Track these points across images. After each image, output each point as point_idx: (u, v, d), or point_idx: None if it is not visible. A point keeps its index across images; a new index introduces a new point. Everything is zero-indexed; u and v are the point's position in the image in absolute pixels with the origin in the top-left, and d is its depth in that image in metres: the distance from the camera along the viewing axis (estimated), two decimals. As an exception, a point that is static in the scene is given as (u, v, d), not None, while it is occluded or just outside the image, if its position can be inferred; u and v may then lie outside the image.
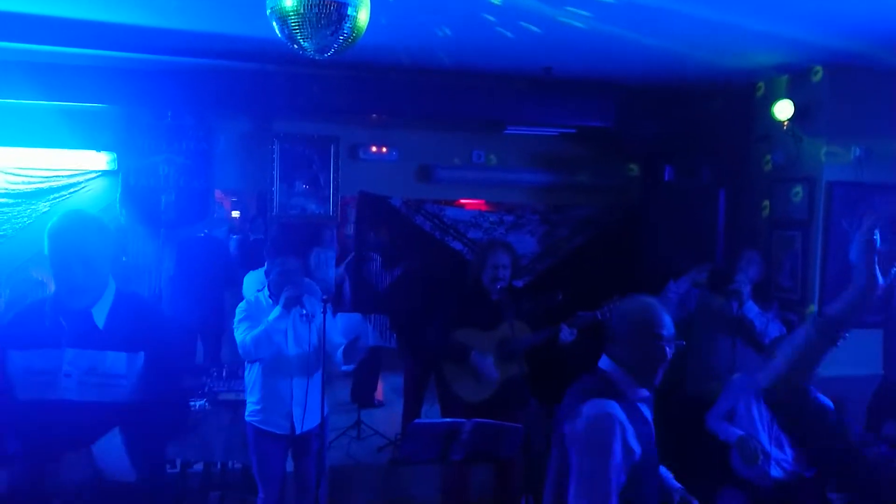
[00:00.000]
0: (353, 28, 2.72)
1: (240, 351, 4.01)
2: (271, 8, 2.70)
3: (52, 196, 6.04)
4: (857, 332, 4.91)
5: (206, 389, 4.65)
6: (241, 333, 3.96)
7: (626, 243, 6.09)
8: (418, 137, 6.48)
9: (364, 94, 5.55)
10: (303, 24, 2.65)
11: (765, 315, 4.64)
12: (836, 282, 4.96)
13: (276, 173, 6.19)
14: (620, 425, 2.42)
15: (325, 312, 3.91)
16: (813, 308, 4.97)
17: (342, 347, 4.07)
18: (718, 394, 4.35)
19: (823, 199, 4.96)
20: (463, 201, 7.13)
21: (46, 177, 6.01)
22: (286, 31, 2.71)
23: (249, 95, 5.52)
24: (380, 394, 7.49)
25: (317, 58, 2.80)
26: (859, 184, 4.95)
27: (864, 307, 2.05)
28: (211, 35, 4.47)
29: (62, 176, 6.05)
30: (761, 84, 5.47)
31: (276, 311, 3.90)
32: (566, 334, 4.28)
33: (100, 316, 2.60)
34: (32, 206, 6.01)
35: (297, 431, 4.02)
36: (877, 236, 1.94)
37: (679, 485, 2.75)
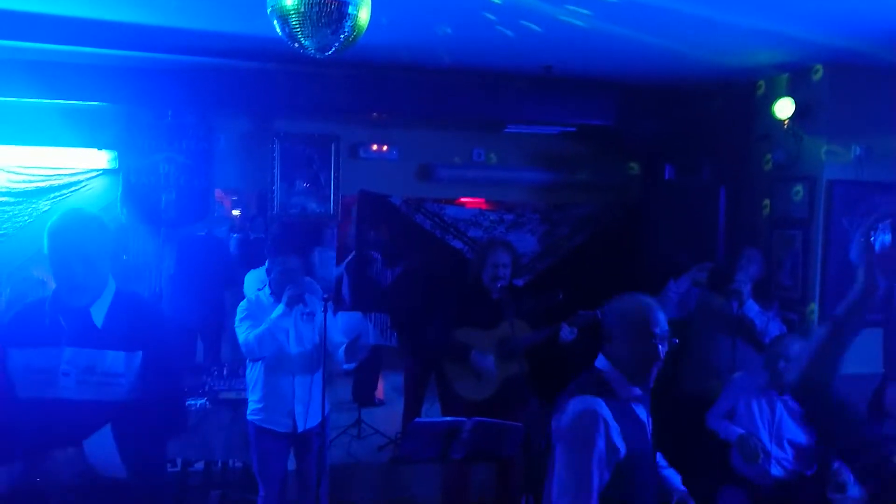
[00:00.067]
0: (354, 27, 2.72)
1: (243, 349, 4.02)
2: (272, 6, 2.70)
3: (52, 195, 6.03)
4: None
5: (207, 388, 4.66)
6: (244, 332, 3.98)
7: (626, 242, 6.09)
8: (419, 136, 6.48)
9: (364, 92, 5.55)
10: (303, 23, 2.66)
11: (765, 314, 4.64)
12: (837, 281, 4.96)
13: (276, 172, 6.19)
14: (604, 422, 2.43)
15: (325, 311, 3.93)
16: (813, 307, 4.97)
17: (343, 346, 4.08)
18: (718, 393, 4.35)
19: (824, 198, 4.95)
20: (463, 200, 7.12)
21: (47, 175, 6.01)
22: (287, 30, 2.71)
23: (250, 94, 5.52)
24: (380, 392, 7.50)
25: (317, 57, 2.80)
26: (860, 182, 4.95)
27: (865, 308, 2.05)
28: (212, 34, 4.47)
29: (63, 174, 6.04)
30: (762, 83, 5.47)
31: (280, 308, 3.92)
32: (566, 333, 4.29)
33: (98, 315, 2.61)
34: (33, 205, 6.00)
35: (300, 429, 4.03)
36: (875, 238, 1.94)
37: (683, 488, 2.74)
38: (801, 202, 5.10)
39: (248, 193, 8.52)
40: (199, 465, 5.01)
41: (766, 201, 5.40)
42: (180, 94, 5.44)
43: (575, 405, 2.48)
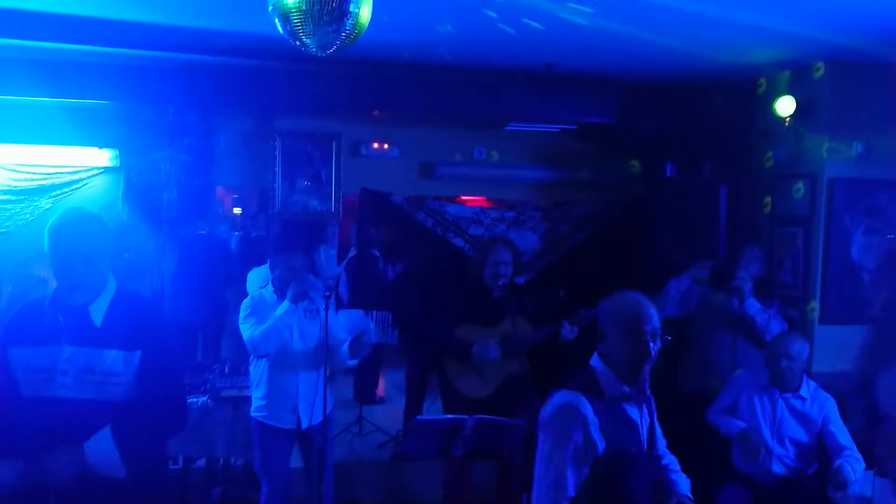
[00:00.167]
0: (355, 25, 2.72)
1: (248, 346, 4.05)
2: (273, 4, 2.70)
3: (54, 193, 6.04)
4: (858, 329, 4.96)
5: (208, 386, 4.66)
6: (249, 329, 4.00)
7: (627, 240, 6.09)
8: (420, 134, 6.48)
9: (366, 90, 5.55)
10: (305, 21, 2.65)
11: (766, 312, 4.64)
12: (838, 278, 4.96)
13: (277, 170, 6.19)
14: (583, 416, 2.46)
15: (326, 309, 3.94)
16: (814, 304, 4.97)
17: (347, 343, 4.10)
18: (719, 391, 4.35)
19: (825, 196, 4.95)
20: (464, 198, 7.12)
21: (48, 174, 6.01)
22: (288, 28, 2.71)
23: (251, 92, 5.52)
24: (381, 390, 7.50)
25: (319, 55, 2.80)
26: (861, 180, 4.94)
27: None
28: (213, 32, 4.47)
29: (64, 173, 6.04)
30: (763, 80, 5.46)
31: (284, 305, 3.94)
32: (567, 331, 4.29)
33: (97, 314, 2.61)
34: (34, 203, 6.01)
35: (303, 426, 4.05)
36: None
37: (685, 492, 2.72)
38: (802, 200, 5.09)
39: (250, 191, 8.53)
40: (201, 463, 5.02)
41: (767, 199, 5.39)
42: (181, 92, 5.44)
43: (557, 399, 2.54)
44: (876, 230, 4.95)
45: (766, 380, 4.11)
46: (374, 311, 6.30)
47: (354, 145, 6.41)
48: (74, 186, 6.09)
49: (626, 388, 2.55)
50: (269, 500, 4.13)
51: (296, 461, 4.30)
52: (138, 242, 6.08)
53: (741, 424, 4.06)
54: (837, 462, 3.81)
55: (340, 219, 6.54)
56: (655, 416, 2.78)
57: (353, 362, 4.14)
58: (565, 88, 5.74)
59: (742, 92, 5.58)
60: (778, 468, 4.04)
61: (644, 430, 2.61)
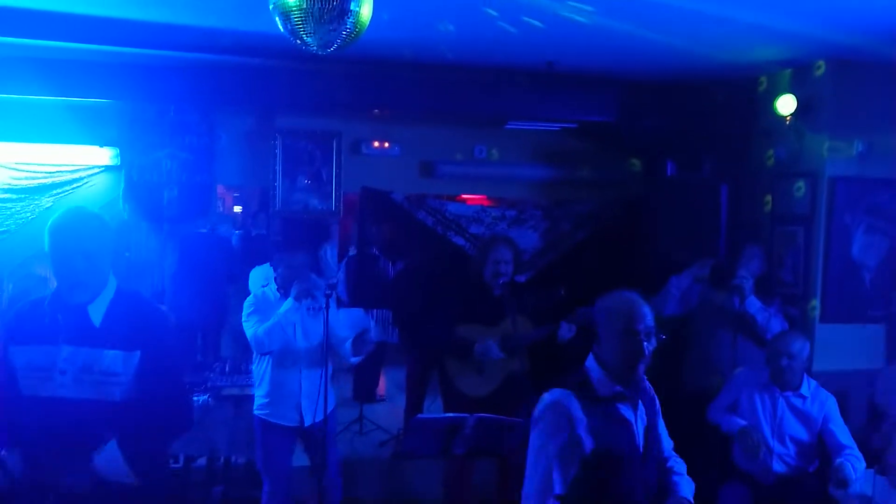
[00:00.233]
0: (356, 23, 2.72)
1: (251, 344, 4.06)
2: (274, 3, 2.70)
3: (54, 191, 6.04)
4: (859, 328, 4.97)
5: (209, 385, 4.67)
6: (252, 327, 4.02)
7: (628, 238, 6.09)
8: (420, 133, 6.48)
9: (366, 89, 5.55)
10: (306, 20, 2.66)
11: (767, 310, 4.64)
12: (839, 277, 4.96)
13: (278, 168, 6.19)
14: (570, 415, 2.47)
15: (327, 307, 3.95)
16: (815, 303, 4.97)
17: (350, 340, 4.11)
18: (720, 389, 4.36)
19: (826, 195, 4.95)
20: (465, 196, 7.12)
21: (49, 172, 6.01)
22: (289, 27, 2.72)
23: (252, 91, 5.52)
24: (382, 389, 7.50)
25: (320, 53, 2.81)
26: (862, 179, 4.94)
27: None
28: (214, 30, 4.47)
29: (65, 171, 6.04)
30: (763, 79, 5.46)
31: (288, 303, 3.96)
32: (565, 331, 4.29)
33: (96, 313, 2.61)
34: (35, 202, 6.01)
35: (306, 424, 4.06)
36: None
37: (685, 496, 2.70)
38: (802, 198, 5.09)
39: (250, 190, 8.52)
40: (202, 462, 5.03)
41: (768, 197, 5.39)
42: (182, 90, 5.44)
43: (547, 397, 2.57)
44: (877, 229, 4.95)
45: (767, 378, 4.12)
46: (375, 310, 6.31)
47: (355, 144, 6.41)
48: (75, 185, 6.09)
49: (619, 388, 2.55)
50: (271, 498, 4.14)
51: (301, 460, 4.31)
52: (139, 241, 6.09)
53: (742, 422, 4.07)
54: (838, 460, 3.81)
55: (341, 217, 6.54)
56: (659, 417, 2.77)
57: (355, 359, 4.15)
58: (566, 87, 5.74)
59: (743, 90, 5.58)
60: (778, 466, 4.05)
61: (639, 430, 2.60)
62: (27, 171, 5.98)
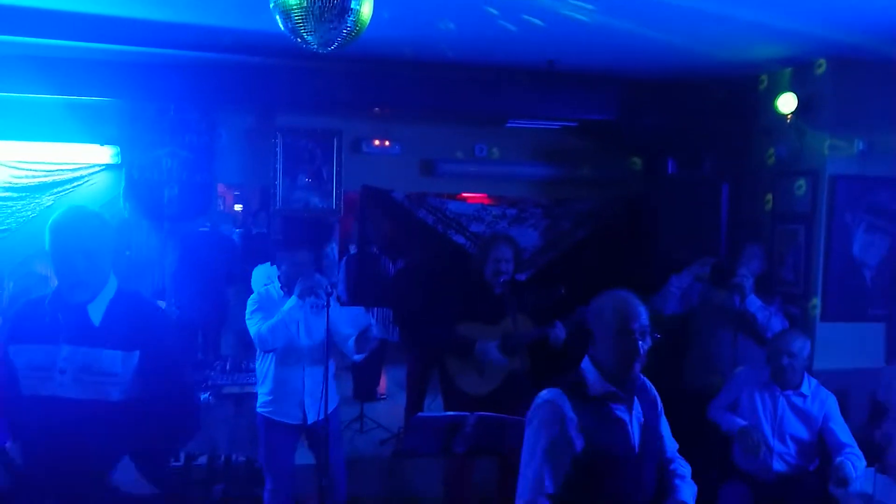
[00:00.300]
0: (357, 22, 2.72)
1: (255, 341, 4.07)
2: (275, 2, 2.70)
3: (55, 190, 6.04)
4: (859, 326, 4.97)
5: (210, 383, 4.68)
6: (256, 324, 4.04)
7: (628, 237, 6.09)
8: (421, 131, 6.48)
9: (367, 87, 5.54)
10: (306, 18, 2.66)
11: (767, 309, 4.64)
12: (839, 276, 4.96)
13: (278, 167, 6.19)
14: (561, 415, 2.47)
15: (328, 305, 3.96)
16: (815, 302, 4.97)
17: (353, 337, 4.12)
18: (720, 388, 4.35)
19: (826, 193, 4.95)
20: (465, 195, 7.12)
21: (50, 171, 6.02)
22: (290, 25, 2.72)
23: (252, 89, 5.52)
24: (382, 387, 7.51)
25: (320, 52, 2.80)
26: (862, 177, 4.94)
27: None
28: (214, 29, 4.47)
29: (66, 170, 6.05)
30: (764, 77, 5.46)
31: (292, 300, 3.98)
32: (559, 331, 4.29)
33: (96, 313, 2.60)
34: (36, 200, 6.02)
35: (309, 421, 4.07)
36: None
37: (685, 500, 2.67)
38: (803, 197, 5.09)
39: (251, 188, 8.54)
40: (203, 460, 5.03)
41: (769, 196, 5.39)
42: (183, 88, 5.44)
43: (539, 397, 2.57)
44: (877, 227, 4.95)
45: (768, 377, 4.11)
46: (375, 309, 6.31)
47: (355, 142, 6.41)
48: (76, 183, 6.10)
49: (613, 388, 2.54)
50: (273, 496, 4.15)
51: (303, 458, 4.31)
52: (139, 239, 6.10)
53: (742, 422, 4.06)
54: (838, 459, 3.81)
55: (341, 216, 6.54)
56: (661, 417, 2.75)
57: (359, 357, 4.16)
58: (566, 85, 5.74)
59: (743, 89, 5.57)
60: (779, 465, 4.04)
61: (634, 430, 2.58)
62: (28, 170, 5.99)
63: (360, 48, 3.30)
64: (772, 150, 5.35)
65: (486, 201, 6.96)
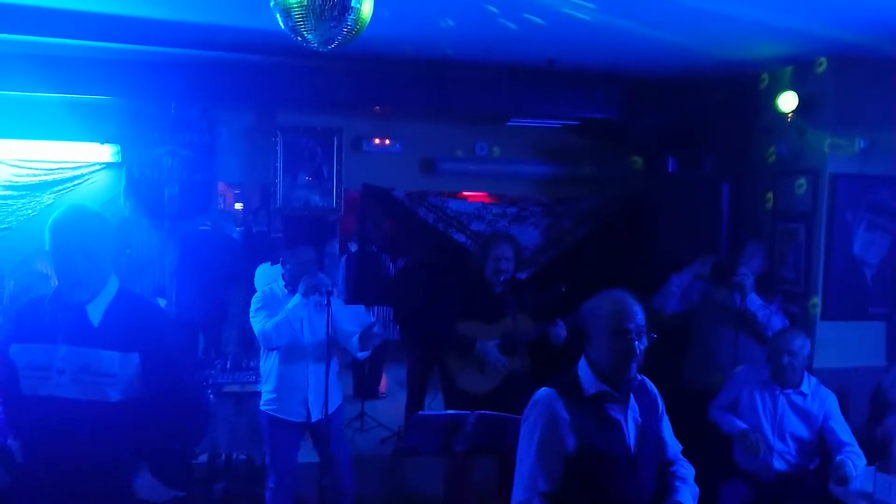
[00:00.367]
0: (357, 20, 2.72)
1: (259, 339, 4.09)
2: (275, 0, 2.70)
3: (55, 188, 6.04)
4: (860, 325, 4.97)
5: (210, 381, 4.68)
6: (260, 322, 4.06)
7: (629, 235, 6.09)
8: (421, 129, 6.47)
9: (367, 86, 5.54)
10: (306, 17, 2.66)
11: (768, 308, 4.64)
12: (840, 275, 4.95)
13: (279, 165, 6.19)
14: (553, 414, 2.48)
15: (328, 303, 3.97)
16: (816, 300, 4.97)
17: (357, 335, 4.13)
18: (721, 386, 4.36)
19: (827, 192, 4.94)
20: (466, 193, 7.11)
21: (50, 169, 6.01)
22: (290, 24, 2.71)
23: (253, 88, 5.52)
24: (383, 386, 7.51)
25: (320, 50, 2.80)
26: (863, 176, 4.94)
27: None
28: (215, 27, 4.47)
29: (66, 168, 6.04)
30: (765, 75, 5.45)
31: (296, 298, 4.01)
32: (560, 329, 4.29)
33: (95, 313, 2.59)
34: (36, 199, 6.01)
35: (313, 419, 4.09)
36: None
37: (683, 501, 2.65)
38: (804, 196, 5.09)
39: (251, 187, 8.53)
40: (203, 458, 5.03)
41: (769, 195, 5.39)
42: (183, 87, 5.43)
43: (534, 397, 2.59)
44: (878, 226, 4.95)
45: (768, 376, 4.12)
46: (376, 307, 6.31)
47: (356, 141, 6.40)
48: (76, 182, 6.10)
49: (607, 388, 2.53)
50: (275, 494, 4.16)
51: (305, 457, 4.32)
52: (140, 238, 6.10)
53: (741, 425, 4.07)
54: (838, 458, 3.81)
55: (342, 214, 6.54)
56: (663, 418, 2.74)
57: (363, 354, 4.17)
58: (567, 84, 5.73)
59: (744, 87, 5.57)
60: (779, 464, 4.05)
61: (629, 431, 2.56)
62: (28, 168, 5.98)
63: (360, 46, 3.30)
64: (772, 149, 5.35)
65: (487, 200, 6.95)
